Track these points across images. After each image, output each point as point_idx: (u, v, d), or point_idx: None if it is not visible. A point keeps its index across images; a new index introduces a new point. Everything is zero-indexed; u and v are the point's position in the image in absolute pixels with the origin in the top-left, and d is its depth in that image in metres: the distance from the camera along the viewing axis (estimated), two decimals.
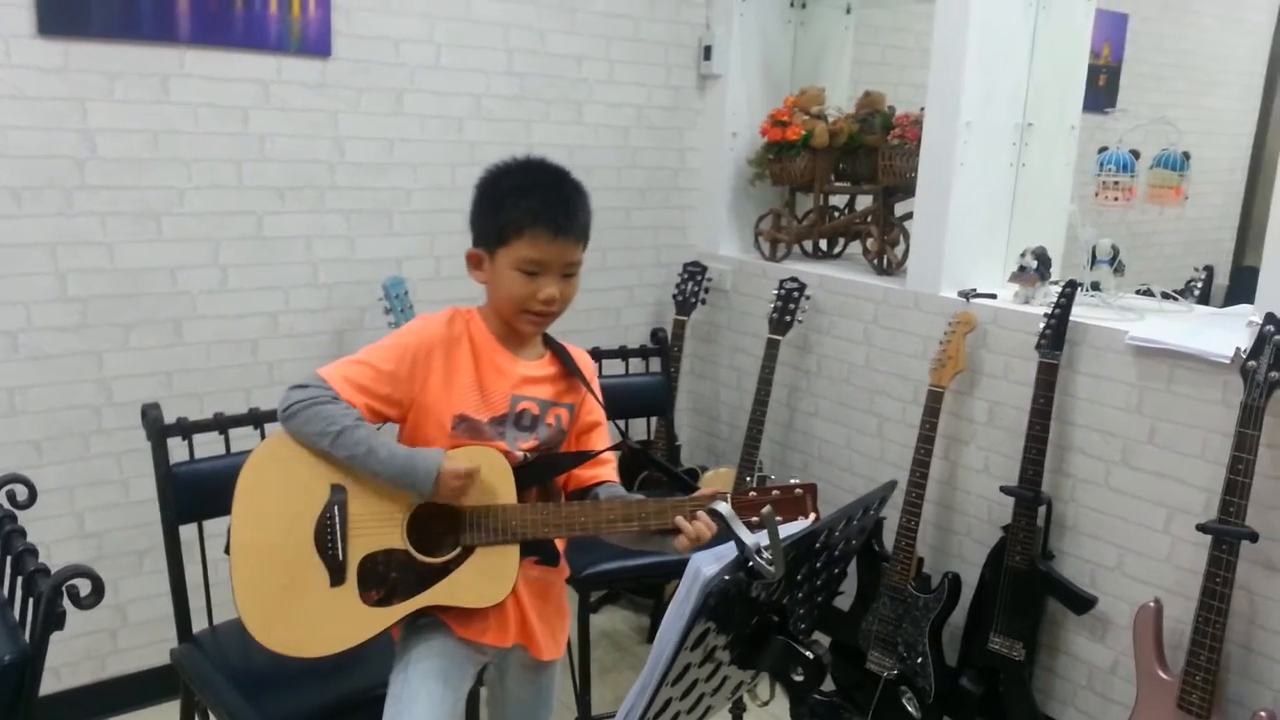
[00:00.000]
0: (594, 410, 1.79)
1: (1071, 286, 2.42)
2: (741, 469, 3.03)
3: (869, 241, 3.15)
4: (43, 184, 2.36)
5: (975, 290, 2.70)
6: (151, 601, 2.64)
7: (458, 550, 1.62)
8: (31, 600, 1.34)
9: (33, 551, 1.43)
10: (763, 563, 1.01)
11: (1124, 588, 2.42)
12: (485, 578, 1.61)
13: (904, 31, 3.84)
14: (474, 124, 2.95)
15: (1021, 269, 2.64)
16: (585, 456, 1.75)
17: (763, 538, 1.03)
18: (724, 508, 1.06)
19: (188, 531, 2.04)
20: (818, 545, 1.23)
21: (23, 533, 1.50)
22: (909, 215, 2.94)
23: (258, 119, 2.60)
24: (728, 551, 1.06)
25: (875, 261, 3.10)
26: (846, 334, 3.05)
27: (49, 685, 2.55)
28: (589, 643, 2.54)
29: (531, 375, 1.71)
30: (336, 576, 1.60)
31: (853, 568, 2.72)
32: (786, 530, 1.12)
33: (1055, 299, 2.42)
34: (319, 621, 1.60)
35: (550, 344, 1.77)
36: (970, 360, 2.66)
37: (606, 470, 1.79)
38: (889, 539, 2.68)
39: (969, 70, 2.64)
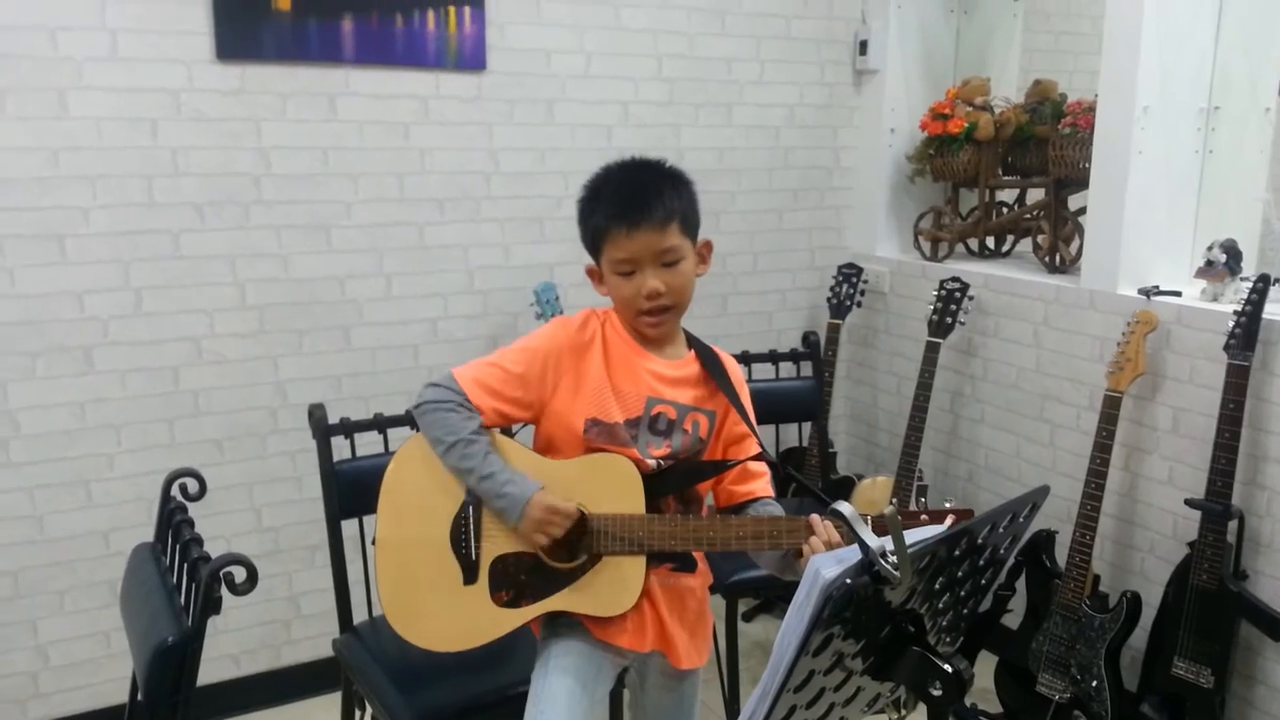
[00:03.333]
0: (740, 421, 1.69)
1: (1264, 281, 2.21)
2: (900, 478, 2.92)
3: (1039, 238, 2.98)
4: (223, 200, 2.52)
5: (1157, 287, 2.51)
6: (323, 595, 2.76)
7: (585, 557, 1.61)
8: (194, 586, 1.43)
9: (197, 541, 1.52)
10: (888, 567, 0.95)
11: None
12: (611, 586, 1.60)
13: (1079, 17, 3.63)
14: (623, 131, 2.97)
15: (1209, 263, 2.45)
16: (724, 466, 1.69)
17: (889, 542, 0.98)
18: (845, 508, 1.01)
19: (351, 527, 2.13)
20: (957, 553, 1.15)
21: (191, 523, 1.59)
22: (1083, 210, 2.77)
23: (418, 133, 2.71)
24: (851, 554, 1.01)
25: (1046, 259, 2.93)
26: (1014, 336, 2.90)
27: (229, 671, 2.73)
28: (736, 650, 2.50)
29: (668, 375, 1.66)
30: (469, 575, 1.63)
31: (1021, 584, 2.58)
32: (918, 535, 1.06)
33: (1246, 295, 2.23)
34: (451, 618, 1.64)
35: (695, 345, 1.71)
36: (1152, 363, 2.47)
37: (760, 485, 1.71)
38: (1061, 554, 2.52)
39: (1145, 51, 2.46)
